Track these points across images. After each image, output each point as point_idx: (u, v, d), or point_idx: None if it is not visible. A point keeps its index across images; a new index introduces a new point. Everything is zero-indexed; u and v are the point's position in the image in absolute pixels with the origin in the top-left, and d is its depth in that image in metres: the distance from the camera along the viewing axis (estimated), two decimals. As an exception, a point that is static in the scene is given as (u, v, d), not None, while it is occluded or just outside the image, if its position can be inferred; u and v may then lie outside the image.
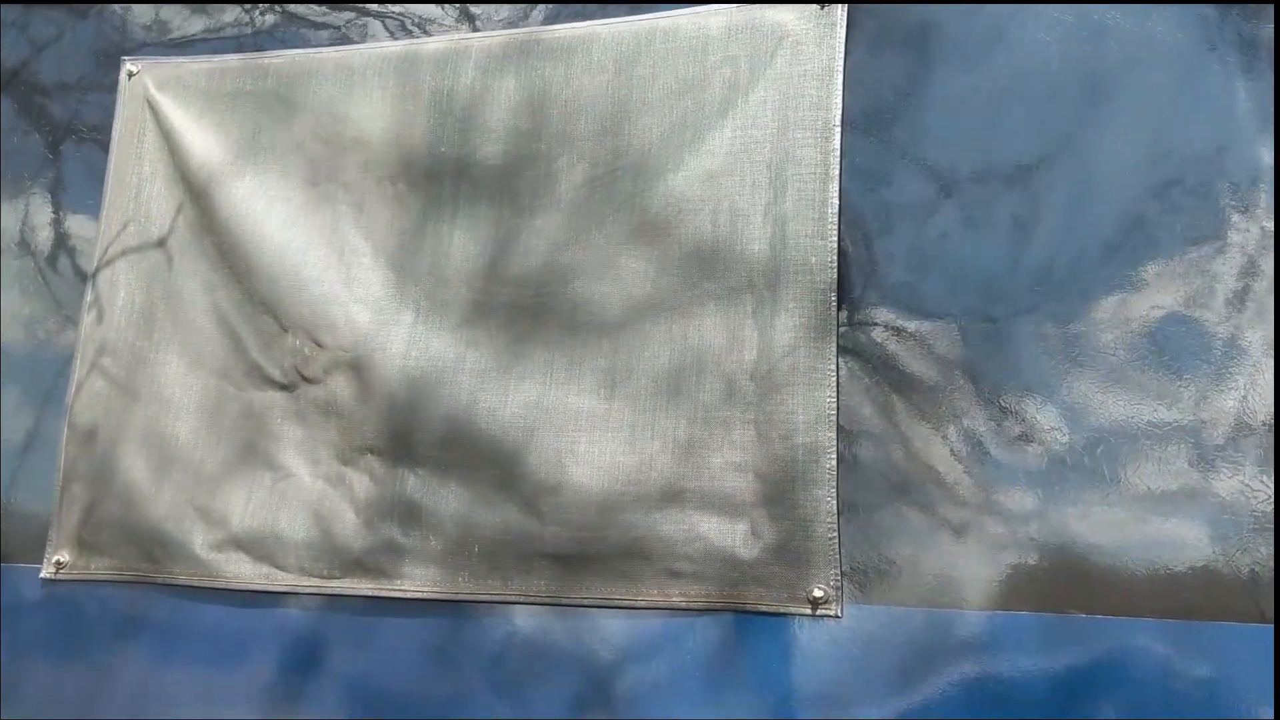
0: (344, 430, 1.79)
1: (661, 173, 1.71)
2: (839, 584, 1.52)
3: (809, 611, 1.53)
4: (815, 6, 1.72)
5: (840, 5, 1.70)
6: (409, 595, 1.70)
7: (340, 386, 1.80)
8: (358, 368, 1.79)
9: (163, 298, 1.95)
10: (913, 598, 1.51)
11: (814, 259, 1.61)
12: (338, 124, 1.93)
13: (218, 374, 1.89)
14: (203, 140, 2.00)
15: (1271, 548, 1.37)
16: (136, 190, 2.02)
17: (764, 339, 1.62)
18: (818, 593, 1.53)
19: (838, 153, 1.65)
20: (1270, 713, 1.33)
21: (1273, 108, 1.51)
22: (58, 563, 1.89)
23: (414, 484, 1.73)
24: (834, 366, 1.58)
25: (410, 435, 1.74)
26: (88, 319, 1.97)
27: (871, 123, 1.68)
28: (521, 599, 1.65)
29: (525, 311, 1.74)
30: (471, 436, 1.71)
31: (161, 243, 1.99)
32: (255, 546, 1.79)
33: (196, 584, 1.80)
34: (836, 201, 1.64)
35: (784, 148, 1.67)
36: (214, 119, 2.01)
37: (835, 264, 1.61)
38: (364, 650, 1.70)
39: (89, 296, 1.99)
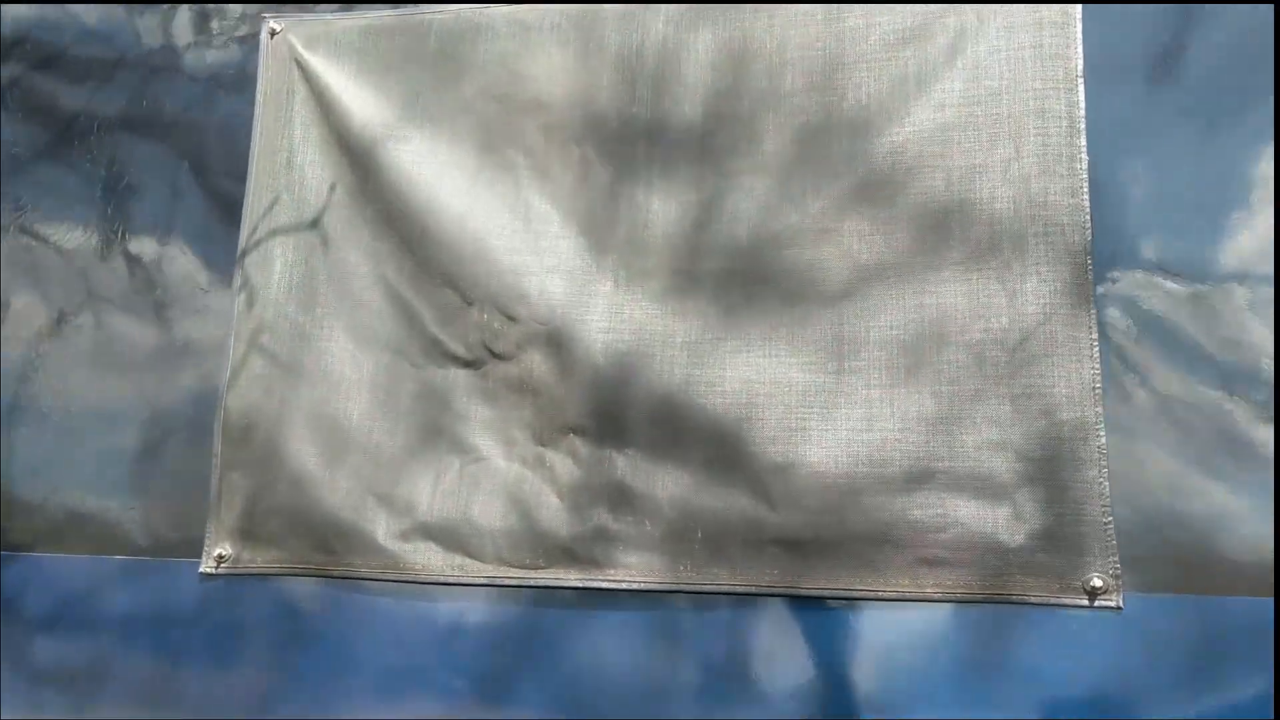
0: (542, 409, 1.66)
1: (884, 129, 1.59)
2: (1118, 572, 1.40)
3: (1086, 603, 1.40)
4: None
5: None
6: (624, 586, 1.57)
7: (536, 362, 1.67)
8: (556, 342, 1.66)
9: (324, 272, 1.82)
10: (1201, 585, 1.38)
11: (1065, 219, 1.49)
12: (513, 84, 1.79)
13: (391, 350, 1.75)
14: (361, 103, 1.86)
15: None
16: (288, 159, 1.88)
17: (1014, 306, 1.49)
18: (1096, 582, 1.40)
19: (1082, 105, 1.53)
20: None
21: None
22: (219, 557, 1.75)
23: (624, 465, 1.60)
24: (1095, 335, 1.46)
25: (618, 413, 1.61)
26: (239, 301, 1.83)
27: (1115, 70, 1.55)
28: (752, 589, 1.52)
29: (736, 280, 1.62)
30: (687, 414, 1.58)
31: (319, 213, 1.86)
32: (446, 535, 1.65)
33: (380, 576, 1.66)
34: (1085, 157, 1.51)
35: (1022, 99, 1.55)
36: (371, 80, 1.87)
37: (1089, 225, 1.49)
38: (573, 647, 1.57)
39: (238, 279, 1.85)
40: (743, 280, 1.62)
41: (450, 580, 1.63)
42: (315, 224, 1.87)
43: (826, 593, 1.49)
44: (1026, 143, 1.54)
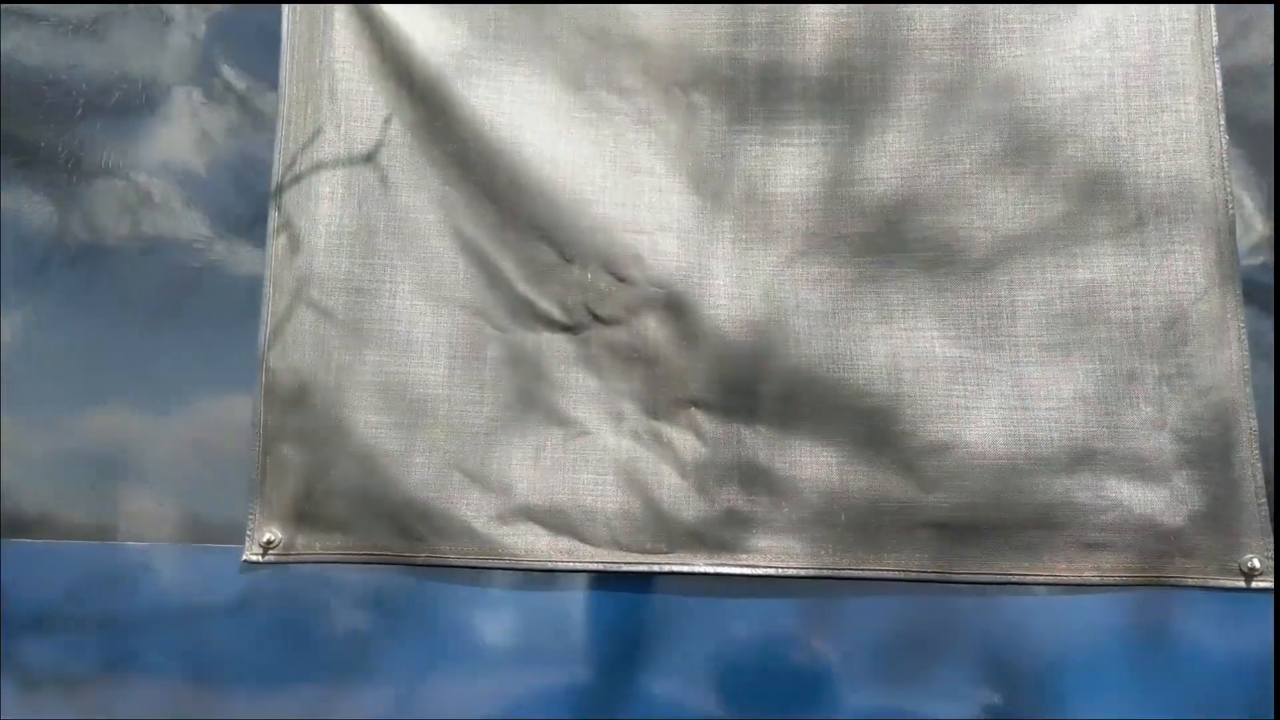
0: (657, 380, 1.50)
1: (1029, 92, 1.52)
2: (1273, 553, 1.39)
3: (1243, 584, 1.39)
4: None
5: None
6: (759, 572, 1.44)
7: (651, 329, 1.51)
8: (675, 307, 1.51)
9: (384, 219, 1.59)
10: (1357, 566, 1.39)
11: (1208, 196, 1.47)
12: (605, 18, 1.62)
13: (469, 311, 1.55)
14: (425, 27, 1.64)
15: None
16: (330, 87, 1.64)
17: (1164, 283, 1.46)
18: (1255, 563, 1.38)
19: (1219, 82, 1.51)
20: None
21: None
22: (266, 543, 1.50)
23: (755, 442, 1.47)
24: (1241, 316, 1.45)
25: (748, 386, 1.48)
26: (276, 246, 1.58)
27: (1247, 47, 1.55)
28: (901, 574, 1.43)
29: (870, 245, 1.52)
30: (827, 389, 1.47)
31: (373, 151, 1.62)
32: (552, 517, 1.47)
33: (476, 563, 1.47)
34: (1225, 136, 1.50)
35: (1162, 74, 1.52)
36: (438, 5, 1.65)
37: (1230, 203, 1.48)
38: (703, 638, 1.43)
39: (274, 220, 1.59)
40: (879, 245, 1.52)
41: (559, 566, 1.46)
42: (369, 162, 1.63)
43: (982, 578, 1.42)
44: (1166, 117, 1.50)
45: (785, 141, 1.56)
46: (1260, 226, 1.51)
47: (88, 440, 1.56)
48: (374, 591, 1.48)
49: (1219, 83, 1.52)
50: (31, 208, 1.65)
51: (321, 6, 1.67)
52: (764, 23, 1.59)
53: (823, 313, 1.50)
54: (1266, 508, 1.40)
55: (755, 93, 1.58)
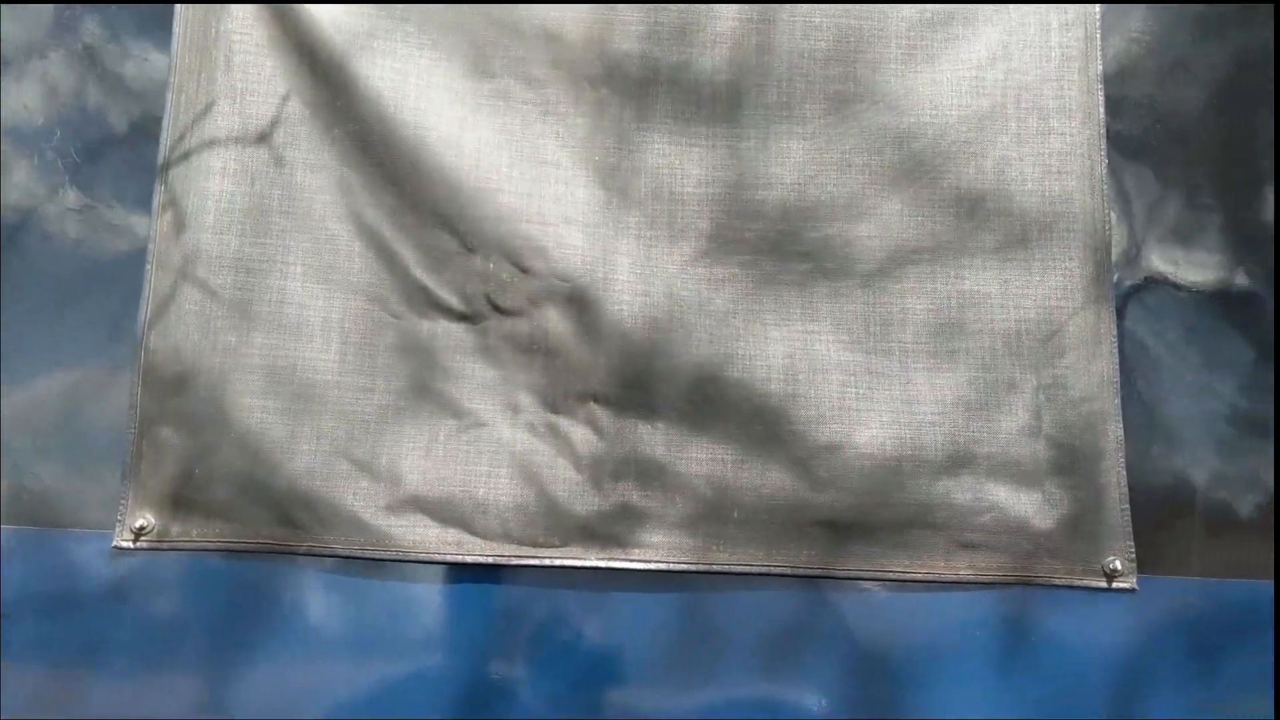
0: (556, 373, 1.50)
1: (925, 109, 1.58)
2: (1133, 555, 1.47)
3: (1104, 585, 1.47)
4: None
5: None
6: (650, 567, 1.45)
7: (553, 321, 1.51)
8: (578, 301, 1.51)
9: (277, 198, 1.54)
10: (1209, 568, 1.48)
11: (1088, 216, 1.56)
12: (518, 9, 1.61)
13: (365, 295, 1.52)
14: (332, 6, 1.59)
15: None
16: (226, 59, 1.58)
17: (1043, 297, 1.53)
18: (1116, 565, 1.46)
19: (1102, 107, 1.60)
20: None
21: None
22: (139, 529, 1.43)
23: (653, 439, 1.48)
24: (1114, 329, 1.53)
25: (648, 382, 1.49)
26: (162, 222, 1.52)
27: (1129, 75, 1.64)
28: (788, 570, 1.46)
29: (772, 248, 1.54)
30: (726, 386, 1.49)
31: (268, 127, 1.57)
32: (442, 509, 1.45)
33: (360, 554, 1.43)
34: (1105, 159, 1.58)
35: (1050, 96, 1.59)
36: (345, -18, 1.61)
37: (1108, 224, 1.56)
38: (589, 633, 1.43)
39: (160, 195, 1.53)
40: (778, 249, 1.55)
41: (447, 558, 1.43)
42: (264, 140, 1.58)
43: (865, 575, 1.46)
44: (1053, 140, 1.58)
45: (691, 142, 1.58)
46: (1126, 244, 1.59)
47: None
48: (251, 582, 1.42)
49: (1101, 108, 1.60)
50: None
51: (220, -27, 1.61)
52: (675, 24, 1.60)
53: (724, 313, 1.52)
54: (1128, 513, 1.48)
55: (664, 92, 1.59)
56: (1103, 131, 1.59)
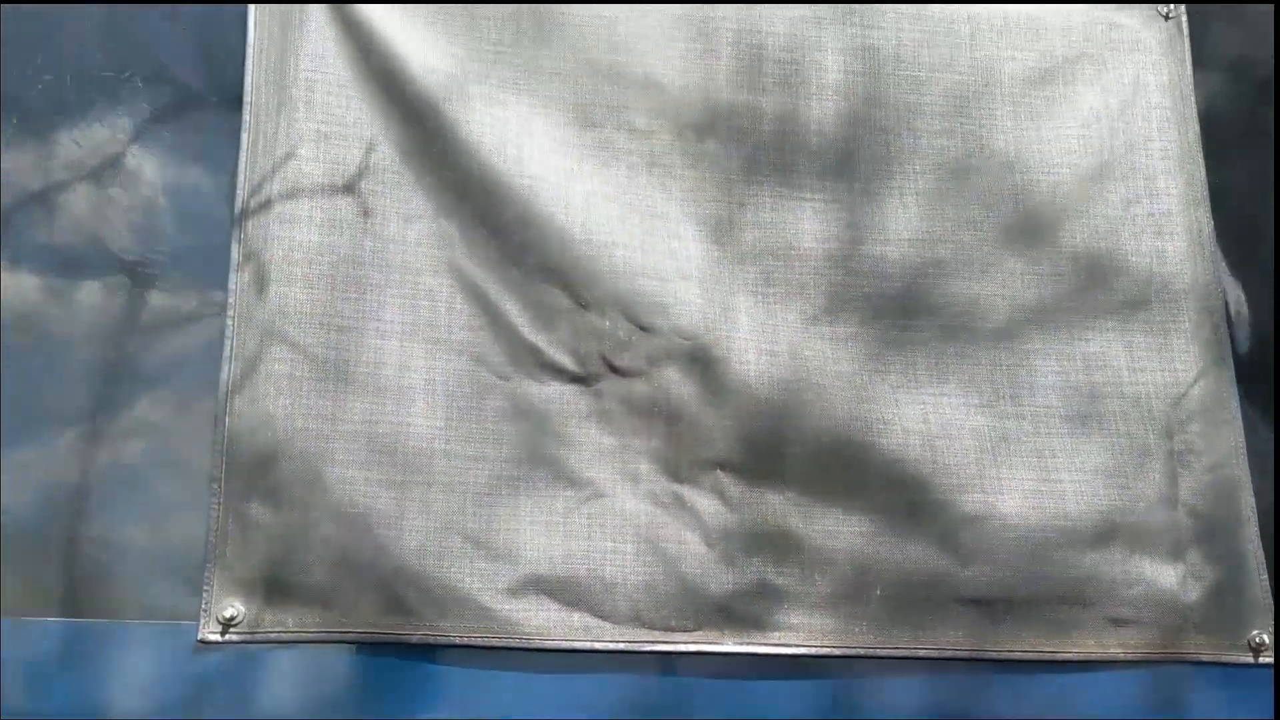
0: (678, 438, 1.40)
1: (1037, 165, 1.54)
2: (1271, 628, 1.42)
3: (1251, 660, 1.41)
4: (1156, 10, 1.65)
5: (1179, 5, 1.64)
6: (792, 651, 1.35)
7: (674, 383, 1.41)
8: (701, 360, 1.41)
9: (369, 252, 1.42)
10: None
11: (1196, 277, 1.53)
12: (615, 53, 1.53)
13: (468, 355, 1.40)
14: (418, 42, 1.49)
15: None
16: (306, 101, 1.45)
17: (1168, 360, 1.49)
18: (1263, 638, 1.41)
19: (1202, 169, 1.58)
20: None
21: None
22: (228, 619, 1.27)
23: (785, 509, 1.38)
24: (1235, 393, 1.50)
25: (776, 447, 1.40)
26: (241, 278, 1.38)
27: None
28: (935, 653, 1.37)
29: (893, 307, 1.48)
30: (857, 452, 1.41)
31: (355, 176, 1.45)
32: (566, 590, 1.33)
33: (483, 642, 1.30)
34: (1210, 221, 1.56)
35: (1157, 156, 1.57)
36: (432, 22, 1.51)
37: (1219, 286, 1.54)
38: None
39: (238, 250, 1.39)
40: (900, 308, 1.48)
41: (577, 646, 1.31)
42: (350, 188, 1.46)
43: (1015, 655, 1.37)
44: (1159, 200, 1.55)
45: (802, 196, 1.51)
46: (1245, 313, 1.56)
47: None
48: (354, 676, 1.28)
49: (1202, 169, 1.58)
50: None
51: (296, 7, 1.49)
52: (779, 75, 1.54)
53: (849, 373, 1.44)
54: (1268, 584, 1.43)
55: (770, 143, 1.52)
56: (1205, 193, 1.57)
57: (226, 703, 1.25)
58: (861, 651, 1.35)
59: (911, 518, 1.39)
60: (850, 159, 1.52)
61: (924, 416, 1.43)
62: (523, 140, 1.47)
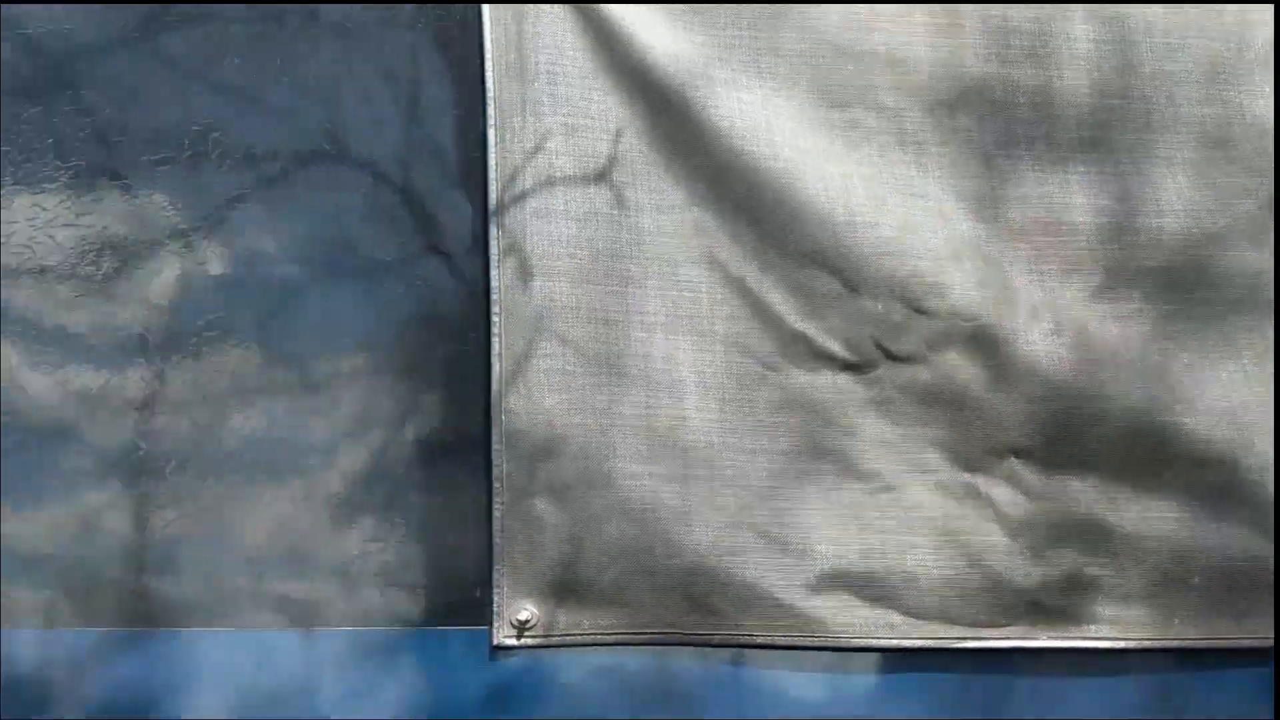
0: (965, 425, 1.33)
1: None
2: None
3: None
4: None
5: None
6: (1109, 645, 1.27)
7: (957, 367, 1.34)
8: (984, 342, 1.34)
9: (626, 241, 1.37)
10: None
11: None
12: (854, 29, 1.47)
13: (734, 347, 1.35)
14: (657, 34, 1.44)
15: None
16: (550, 94, 1.42)
17: None
18: None
19: None
20: None
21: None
22: (522, 622, 1.22)
23: (1089, 496, 1.31)
24: None
25: (1075, 432, 1.32)
26: (503, 271, 1.34)
27: None
28: (1260, 642, 1.27)
29: (1174, 281, 1.40)
30: (1162, 434, 1.32)
31: (606, 166, 1.41)
32: (868, 585, 1.26)
33: (788, 641, 1.24)
34: None
35: None
36: (667, 11, 1.47)
37: None
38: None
39: (496, 242, 1.35)
40: (1182, 282, 1.40)
41: (886, 643, 1.24)
42: (603, 179, 1.42)
43: (1348, 645, 1.27)
44: None
45: (1065, 169, 1.44)
46: None
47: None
48: (656, 681, 1.22)
49: None
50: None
51: (531, 6, 1.46)
52: (1026, 46, 1.48)
53: (1139, 350, 1.36)
54: None
55: (1025, 116, 1.45)
56: None
57: (523, 704, 1.20)
58: (1185, 644, 1.26)
59: (1224, 500, 1.30)
60: (1108, 129, 1.45)
61: (1225, 394, 1.34)
62: (771, 123, 1.42)
